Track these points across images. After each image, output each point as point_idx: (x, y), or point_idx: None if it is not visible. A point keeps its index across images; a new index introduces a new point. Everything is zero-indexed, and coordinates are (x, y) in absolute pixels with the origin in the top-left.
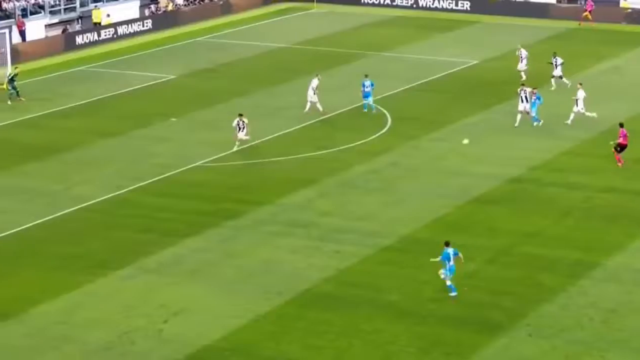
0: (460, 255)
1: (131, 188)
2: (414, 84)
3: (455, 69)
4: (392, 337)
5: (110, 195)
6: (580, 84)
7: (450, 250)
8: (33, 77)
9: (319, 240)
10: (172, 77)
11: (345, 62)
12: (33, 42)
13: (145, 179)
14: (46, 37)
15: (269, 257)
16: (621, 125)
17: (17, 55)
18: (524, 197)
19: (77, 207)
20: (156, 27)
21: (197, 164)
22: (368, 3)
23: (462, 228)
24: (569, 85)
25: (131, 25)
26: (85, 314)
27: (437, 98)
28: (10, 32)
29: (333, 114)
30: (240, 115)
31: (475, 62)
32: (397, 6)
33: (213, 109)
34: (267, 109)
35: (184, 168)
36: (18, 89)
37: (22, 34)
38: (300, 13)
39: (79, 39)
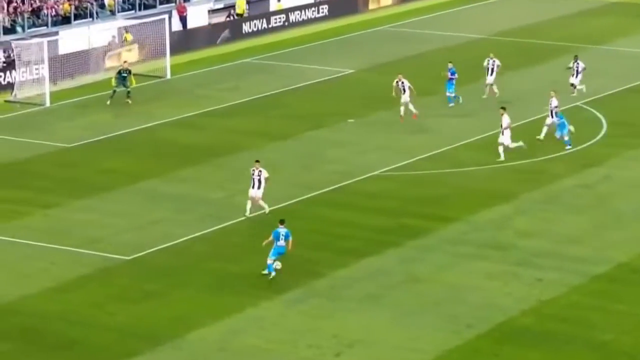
0: (291, 239)
1: (302, 198)
2: (634, 84)
3: None
4: None
5: (278, 206)
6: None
7: (282, 230)
8: (192, 69)
9: (517, 265)
10: (350, 71)
11: (549, 57)
12: (195, 29)
13: (318, 188)
14: (209, 24)
15: (458, 283)
16: None
17: (177, 45)
18: None
19: (240, 219)
20: (333, 14)
21: (376, 172)
22: None
23: None
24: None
25: (305, 12)
26: (247, 341)
27: None
28: (170, 18)
29: (538, 117)
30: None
31: None
32: None
33: (395, 110)
34: (457, 111)
35: (362, 176)
36: (129, 88)
37: (183, 20)
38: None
39: (246, 27)
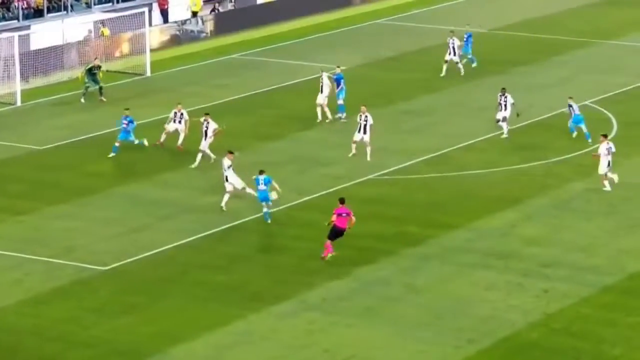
0: (275, 185)
1: (294, 203)
2: None
3: None
4: None
5: (270, 211)
6: None
7: (261, 177)
8: (175, 66)
9: (523, 276)
10: (347, 67)
11: (562, 52)
12: (177, 23)
13: (312, 192)
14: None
15: (461, 294)
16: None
17: (159, 40)
18: None
19: (228, 225)
20: (328, 6)
21: (374, 175)
22: None
23: None
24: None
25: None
26: (235, 357)
27: None
28: (150, 12)
29: (547, 115)
30: (206, 114)
31: None
32: None
33: (393, 109)
34: (464, 109)
35: (359, 180)
36: (102, 85)
37: (164, 13)
38: None
39: (232, 20)
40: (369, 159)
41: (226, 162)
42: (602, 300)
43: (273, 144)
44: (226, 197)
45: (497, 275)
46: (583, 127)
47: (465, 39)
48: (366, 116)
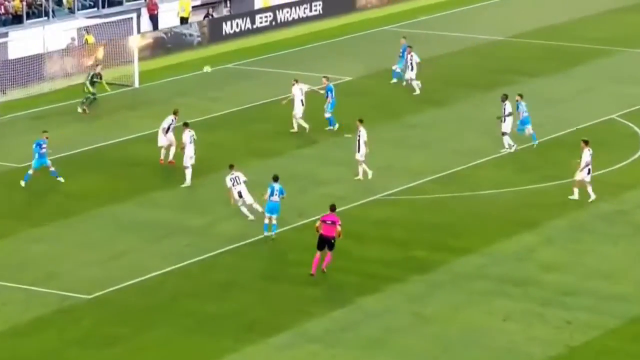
0: (285, 195)
1: (293, 226)
2: None
3: None
4: None
5: (266, 234)
6: None
7: (276, 185)
8: (166, 76)
9: (542, 305)
10: (349, 78)
11: (581, 61)
12: (168, 30)
13: (312, 214)
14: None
15: (474, 324)
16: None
17: (149, 48)
18: None
19: (222, 250)
20: (329, 12)
21: (379, 195)
22: None
23: None
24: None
25: (295, 10)
26: None
27: None
28: (138, 18)
29: (566, 131)
30: (186, 124)
31: None
32: None
33: (398, 123)
34: (475, 123)
35: (363, 201)
36: (96, 95)
37: (154, 19)
38: None
39: (227, 27)
40: (360, 177)
41: (242, 176)
42: (631, 331)
43: (269, 161)
44: (243, 209)
45: (514, 304)
46: (529, 128)
47: (401, 54)
48: (359, 131)
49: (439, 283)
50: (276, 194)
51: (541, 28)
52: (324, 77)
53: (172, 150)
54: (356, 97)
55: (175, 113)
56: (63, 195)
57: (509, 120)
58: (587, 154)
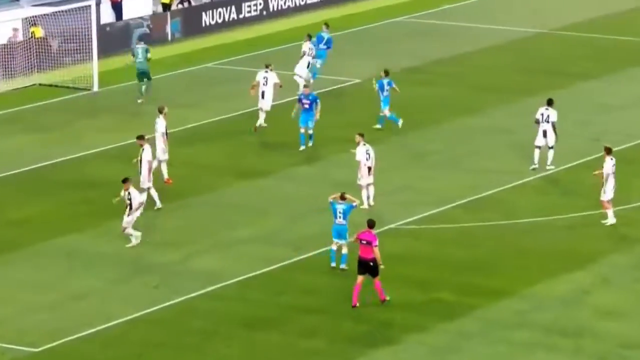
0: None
1: (289, 262)
2: None
3: None
4: None
5: (255, 273)
6: None
7: (340, 207)
8: (131, 78)
9: None
10: (357, 80)
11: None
12: (134, 21)
13: (311, 247)
14: (154, 13)
15: None
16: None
17: (108, 43)
18: None
19: (201, 292)
20: (329, 1)
21: (396, 224)
22: None
23: None
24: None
25: None
26: None
27: None
28: (97, 7)
29: (625, 146)
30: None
31: None
32: None
33: (418, 136)
34: (513, 136)
35: (375, 231)
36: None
37: (118, 8)
38: None
39: (207, 18)
40: (365, 206)
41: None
42: None
43: (258, 181)
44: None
45: (562, 358)
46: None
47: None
48: (358, 148)
49: (468, 333)
50: (340, 216)
51: (592, 19)
52: (304, 85)
53: (164, 168)
54: (365, 102)
55: (161, 111)
56: (4, 225)
57: (552, 130)
58: (609, 164)
